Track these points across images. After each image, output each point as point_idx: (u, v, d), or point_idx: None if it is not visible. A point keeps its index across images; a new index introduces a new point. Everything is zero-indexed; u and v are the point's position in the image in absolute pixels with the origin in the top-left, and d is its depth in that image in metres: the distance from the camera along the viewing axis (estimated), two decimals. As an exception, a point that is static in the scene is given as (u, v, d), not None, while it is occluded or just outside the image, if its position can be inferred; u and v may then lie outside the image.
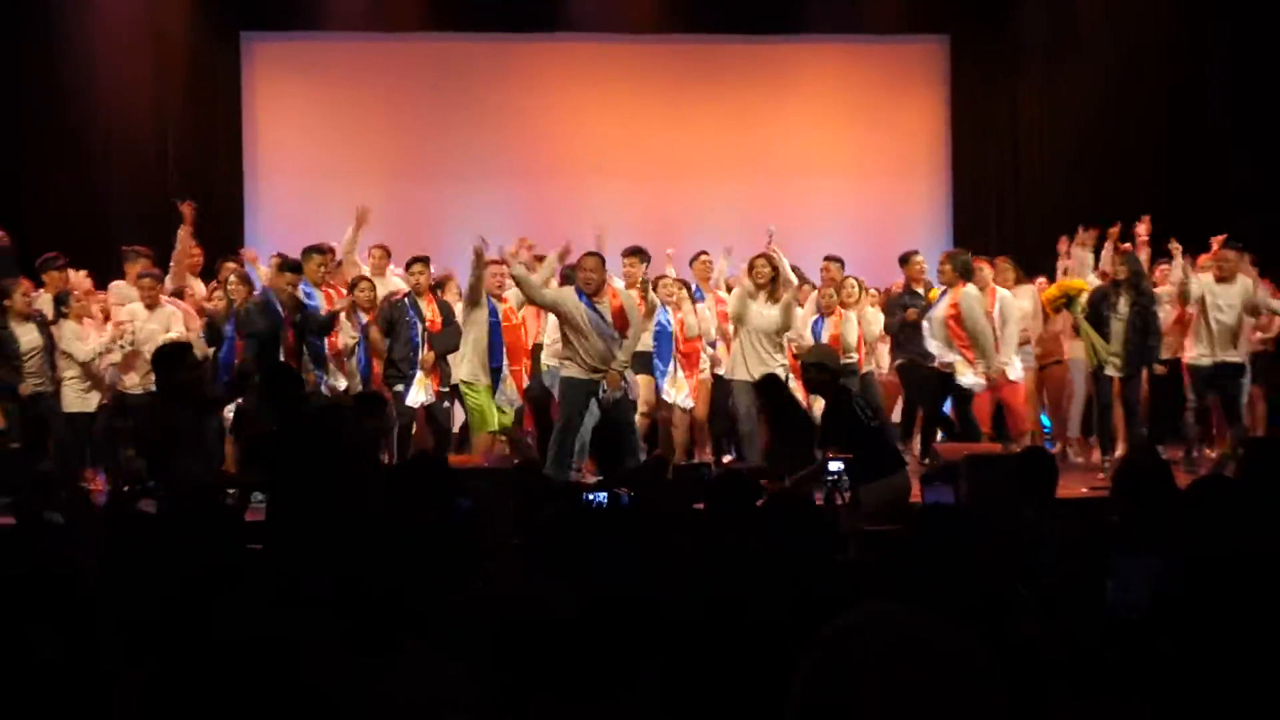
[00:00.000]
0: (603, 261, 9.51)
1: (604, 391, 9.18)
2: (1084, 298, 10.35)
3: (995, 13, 14.17)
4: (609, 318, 9.25)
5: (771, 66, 14.17)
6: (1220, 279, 10.01)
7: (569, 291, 9.39)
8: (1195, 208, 12.48)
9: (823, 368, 8.13)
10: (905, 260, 11.19)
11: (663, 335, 10.35)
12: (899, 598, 3.09)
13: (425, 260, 10.32)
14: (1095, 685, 2.94)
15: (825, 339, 10.45)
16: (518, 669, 2.54)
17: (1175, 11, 13.56)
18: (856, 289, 10.94)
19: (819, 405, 8.77)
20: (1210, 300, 9.96)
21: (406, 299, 10.08)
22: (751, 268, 10.01)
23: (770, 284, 9.90)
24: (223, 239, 11.84)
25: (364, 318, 10.14)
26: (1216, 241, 10.18)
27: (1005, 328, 10.33)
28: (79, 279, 10.31)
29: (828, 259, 11.12)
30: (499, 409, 9.73)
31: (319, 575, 3.82)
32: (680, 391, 10.50)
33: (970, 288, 10.26)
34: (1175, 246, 10.21)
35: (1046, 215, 13.16)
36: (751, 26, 13.97)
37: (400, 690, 2.18)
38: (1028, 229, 13.10)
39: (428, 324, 9.96)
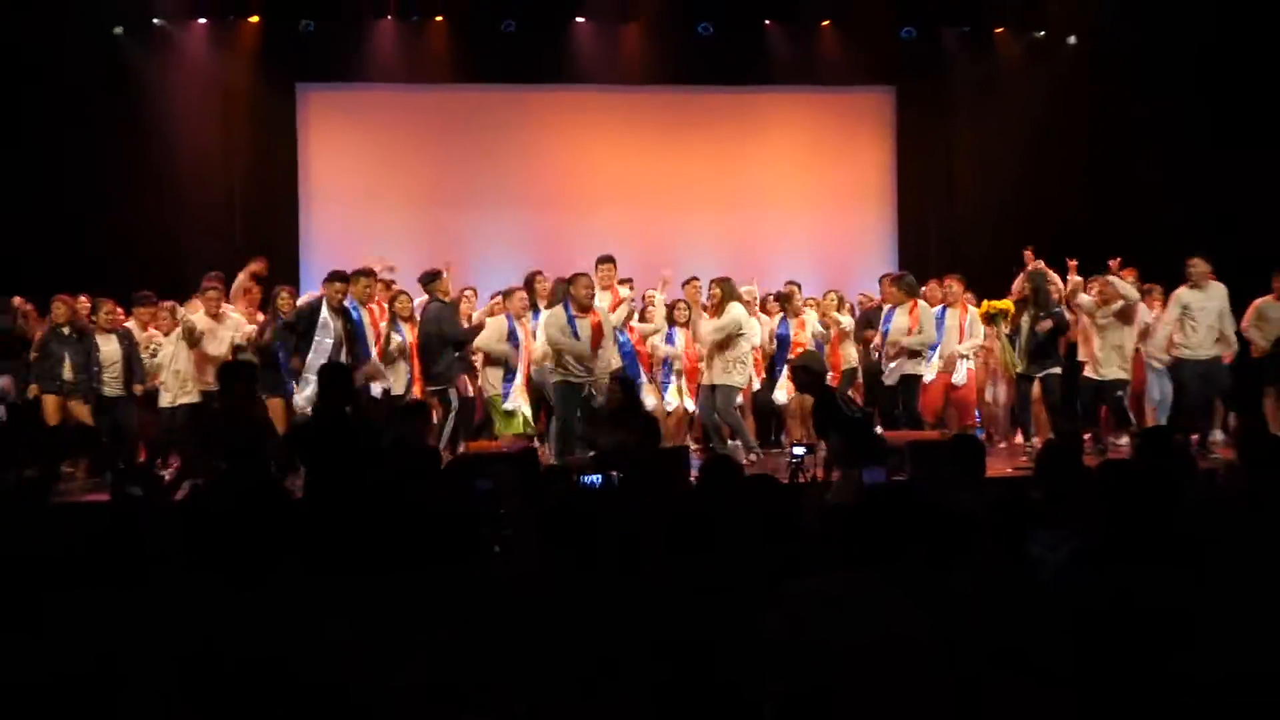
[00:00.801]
0: (592, 282, 9.51)
1: (594, 395, 9.21)
2: (1007, 316, 10.39)
3: (934, 68, 14.08)
4: (587, 333, 9.26)
5: (745, 113, 14.15)
6: (1105, 300, 10.16)
7: (559, 310, 9.48)
8: (1105, 235, 12.60)
9: (809, 370, 8.09)
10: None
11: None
12: (850, 564, 3.22)
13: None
14: (1018, 636, 2.82)
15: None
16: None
17: (1084, 64, 13.66)
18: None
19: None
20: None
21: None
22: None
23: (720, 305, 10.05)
24: (280, 264, 11.83)
25: (404, 328, 10.07)
26: (1114, 263, 10.21)
27: (973, 338, 10.55)
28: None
29: (789, 283, 11.22)
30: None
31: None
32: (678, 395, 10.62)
33: (923, 304, 10.47)
34: (1072, 264, 10.30)
35: (978, 243, 13.18)
36: (728, 79, 13.96)
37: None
38: (963, 255, 13.06)
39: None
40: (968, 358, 10.62)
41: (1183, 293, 10.27)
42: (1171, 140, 12.93)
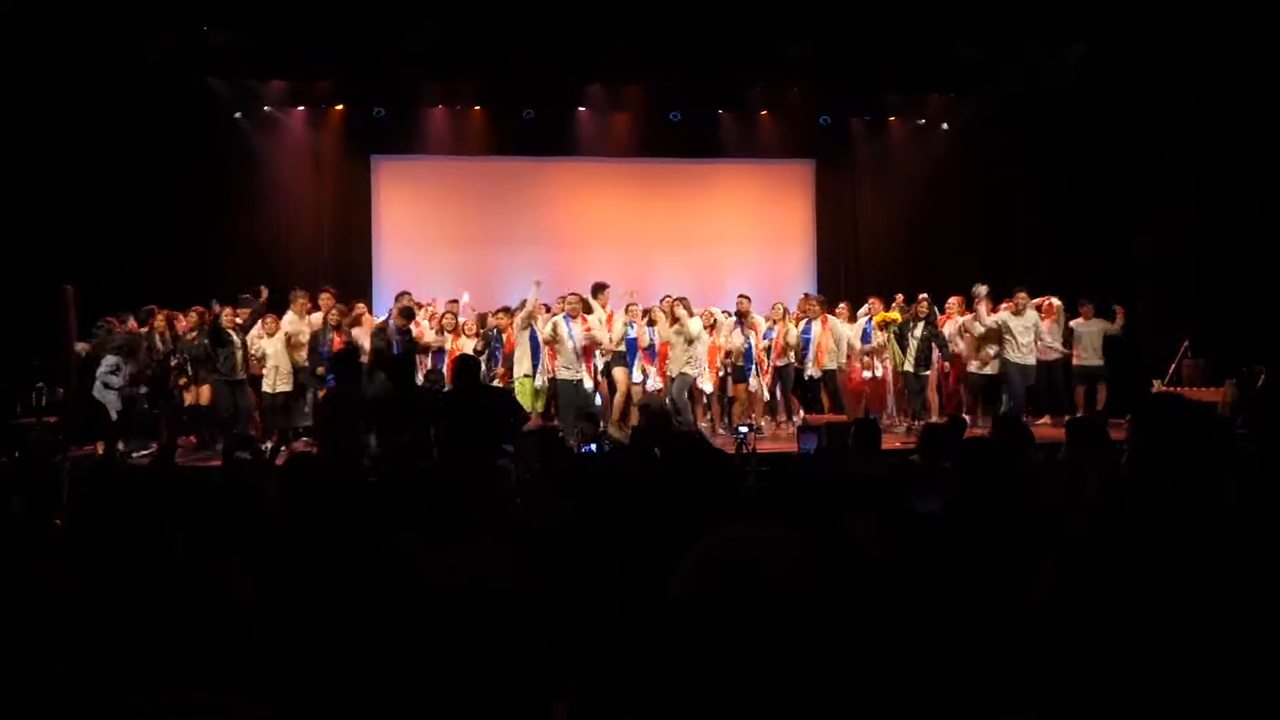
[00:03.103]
0: (581, 298, 9.73)
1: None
2: (895, 326, 10.51)
3: (844, 146, 14.09)
4: (579, 336, 9.45)
5: (702, 179, 14.13)
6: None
7: (559, 318, 9.58)
8: (970, 271, 12.68)
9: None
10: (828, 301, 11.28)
11: (632, 343, 10.39)
12: (768, 516, 3.05)
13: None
14: (906, 567, 2.74)
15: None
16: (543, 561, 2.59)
17: (955, 144, 13.68)
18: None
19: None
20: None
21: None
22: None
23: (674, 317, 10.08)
24: (357, 296, 11.78)
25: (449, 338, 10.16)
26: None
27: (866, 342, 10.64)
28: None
29: (741, 296, 11.21)
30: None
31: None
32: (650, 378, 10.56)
33: (833, 318, 10.50)
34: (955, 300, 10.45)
35: (875, 275, 13.21)
36: (690, 153, 13.88)
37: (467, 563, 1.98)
38: (864, 284, 13.14)
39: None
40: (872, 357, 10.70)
41: (1006, 315, 10.35)
42: (1024, 199, 12.95)
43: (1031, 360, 10.35)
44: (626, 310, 10.43)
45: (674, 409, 10.05)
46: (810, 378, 10.46)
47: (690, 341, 10.02)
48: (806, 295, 10.82)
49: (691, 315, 10.20)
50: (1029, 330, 10.29)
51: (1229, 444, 2.62)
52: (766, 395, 10.80)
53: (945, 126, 14.00)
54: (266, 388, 9.82)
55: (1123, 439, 2.86)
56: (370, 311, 10.70)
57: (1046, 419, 10.55)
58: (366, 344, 9.68)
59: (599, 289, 10.45)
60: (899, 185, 13.87)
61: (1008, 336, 10.27)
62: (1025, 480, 3.23)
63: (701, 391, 10.61)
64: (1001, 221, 12.93)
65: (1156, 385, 10.20)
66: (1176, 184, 11.65)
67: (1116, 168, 12.27)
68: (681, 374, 10.06)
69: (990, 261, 12.18)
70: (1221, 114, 10.94)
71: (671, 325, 10.05)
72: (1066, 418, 8.20)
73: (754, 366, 10.56)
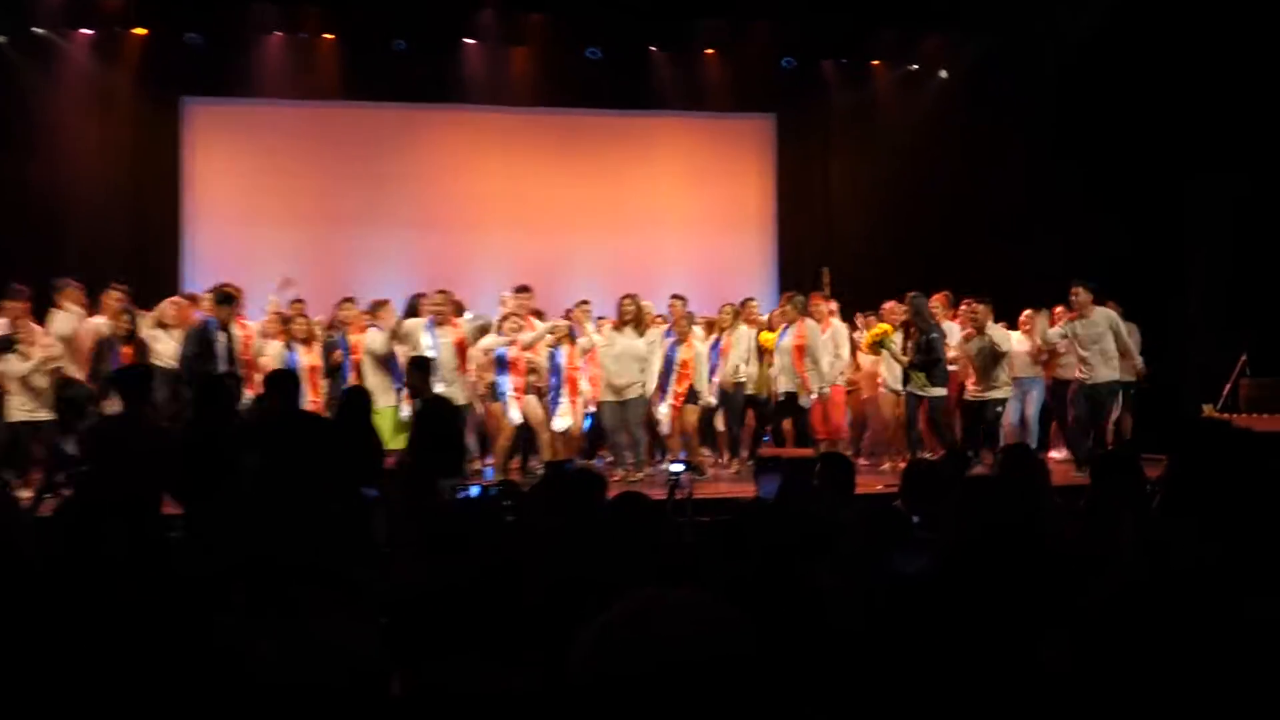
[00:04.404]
0: (451, 297, 9.82)
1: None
2: (893, 337, 10.52)
3: (813, 97, 14.32)
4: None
5: (630, 137, 14.27)
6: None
7: (420, 325, 9.67)
8: (973, 260, 12.96)
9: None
10: (743, 305, 11.33)
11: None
12: (707, 580, 3.17)
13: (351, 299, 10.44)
14: (884, 637, 2.84)
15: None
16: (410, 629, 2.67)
17: (955, 96, 14.06)
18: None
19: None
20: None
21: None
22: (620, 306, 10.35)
23: (635, 320, 10.20)
24: (161, 279, 11.63)
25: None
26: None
27: (840, 351, 10.77)
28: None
29: (674, 297, 11.30)
30: None
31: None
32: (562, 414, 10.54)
33: (810, 321, 10.64)
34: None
35: (853, 266, 13.33)
36: (614, 103, 14.02)
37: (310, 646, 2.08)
38: (839, 279, 13.24)
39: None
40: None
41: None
42: (1036, 169, 13.24)
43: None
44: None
45: (626, 449, 10.19)
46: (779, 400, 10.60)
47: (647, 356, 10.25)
48: (792, 296, 10.93)
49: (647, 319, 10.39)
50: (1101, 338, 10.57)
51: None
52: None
53: (943, 74, 14.35)
54: (20, 414, 9.50)
55: (1158, 477, 2.95)
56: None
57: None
58: (167, 350, 9.58)
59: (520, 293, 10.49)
60: (883, 148, 14.13)
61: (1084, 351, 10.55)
62: (1038, 529, 3.34)
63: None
64: (1010, 195, 13.26)
65: (1207, 410, 10.53)
66: (1231, 155, 12.07)
67: (1158, 130, 12.66)
68: (641, 397, 10.24)
69: (997, 246, 12.46)
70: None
71: (625, 330, 10.20)
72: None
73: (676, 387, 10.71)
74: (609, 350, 10.29)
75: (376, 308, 10.34)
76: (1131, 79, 12.46)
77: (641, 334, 10.25)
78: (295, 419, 6.26)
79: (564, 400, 10.37)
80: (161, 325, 10.07)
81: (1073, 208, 12.92)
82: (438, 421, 7.47)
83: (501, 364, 10.08)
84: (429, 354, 9.39)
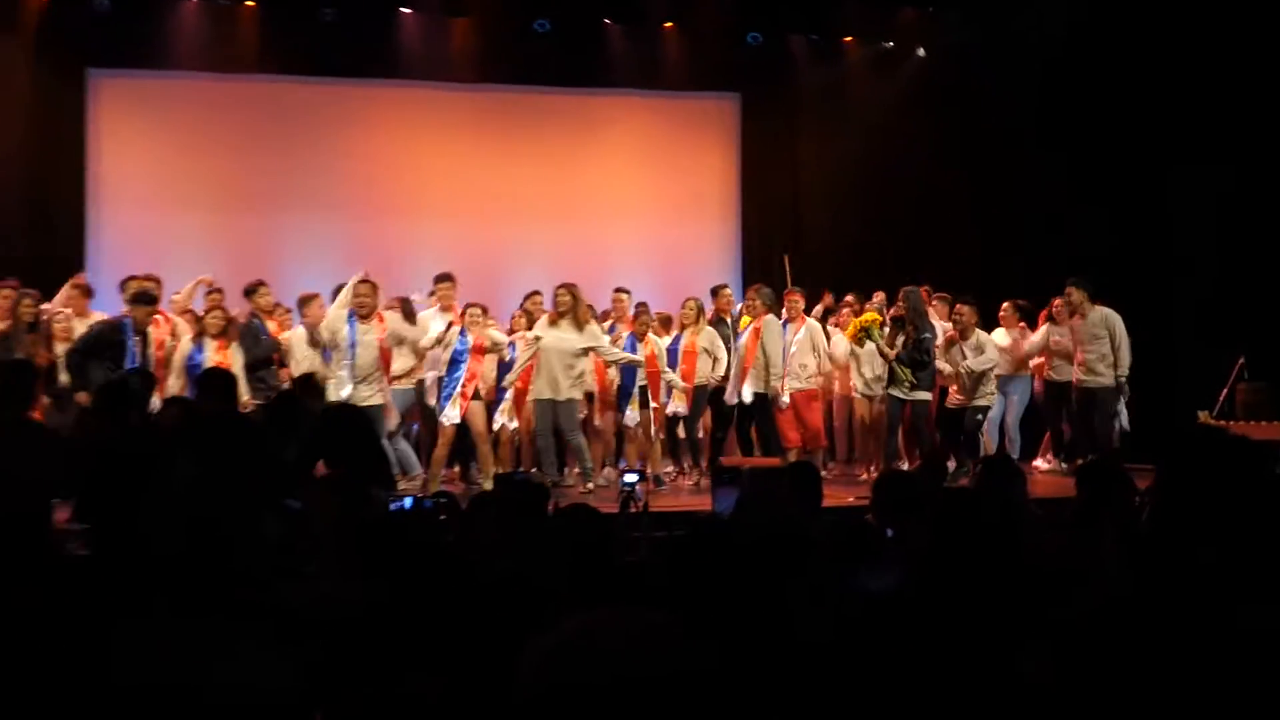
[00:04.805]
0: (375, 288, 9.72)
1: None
2: (879, 328, 10.57)
3: (778, 75, 14.40)
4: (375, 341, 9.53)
5: (581, 116, 14.27)
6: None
7: (341, 317, 9.59)
8: (949, 250, 13.08)
9: None
10: (715, 292, 11.47)
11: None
12: (662, 600, 3.15)
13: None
14: (850, 658, 2.86)
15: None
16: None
17: (932, 76, 14.18)
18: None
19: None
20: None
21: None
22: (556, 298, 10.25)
23: (571, 313, 10.13)
24: (65, 265, 11.47)
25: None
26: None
27: (818, 350, 10.76)
28: None
29: (618, 290, 11.33)
30: None
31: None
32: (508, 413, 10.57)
33: (771, 317, 10.67)
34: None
35: (822, 257, 13.46)
36: (564, 79, 14.04)
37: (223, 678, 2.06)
38: (806, 270, 13.29)
39: None
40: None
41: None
42: (1015, 155, 13.42)
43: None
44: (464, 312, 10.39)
45: (550, 454, 10.13)
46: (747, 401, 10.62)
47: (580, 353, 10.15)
48: (759, 288, 10.98)
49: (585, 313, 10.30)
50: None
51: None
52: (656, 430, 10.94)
53: (920, 52, 14.47)
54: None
55: (1147, 487, 2.99)
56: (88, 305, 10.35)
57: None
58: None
59: (442, 280, 10.43)
60: (854, 131, 14.22)
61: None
62: (1016, 541, 3.37)
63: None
64: (989, 182, 13.42)
65: (1203, 417, 10.67)
66: (1227, 145, 12.22)
67: (1141, 119, 12.83)
68: (570, 400, 10.15)
69: (974, 236, 12.55)
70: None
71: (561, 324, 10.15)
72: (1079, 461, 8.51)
73: (636, 391, 10.70)
74: (544, 346, 10.17)
75: (304, 303, 10.27)
76: (1115, 63, 12.63)
77: (580, 329, 10.11)
78: (231, 422, 6.17)
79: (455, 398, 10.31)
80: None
81: (1055, 196, 13.09)
82: (341, 432, 7.39)
83: (456, 361, 10.03)
84: (346, 349, 9.38)
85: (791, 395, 10.52)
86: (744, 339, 10.67)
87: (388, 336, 9.80)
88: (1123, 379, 10.57)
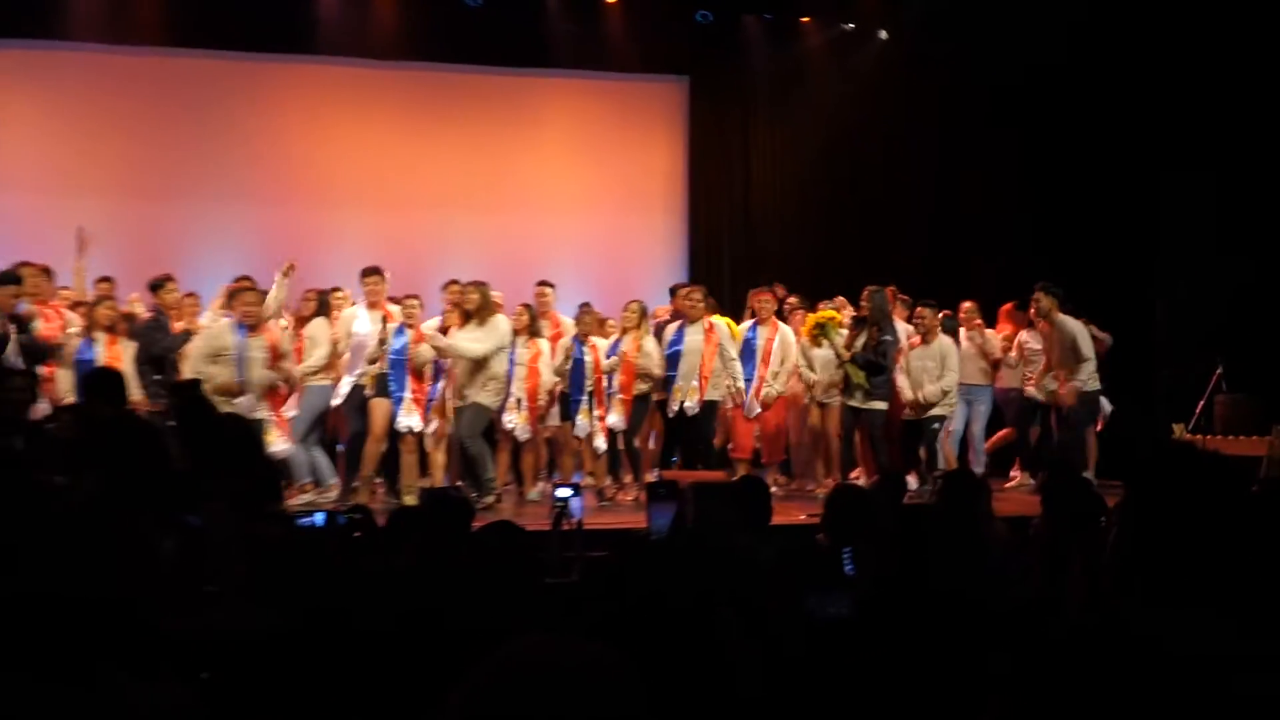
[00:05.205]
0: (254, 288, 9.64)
1: None
2: (838, 327, 10.58)
3: (731, 57, 14.47)
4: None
5: (517, 99, 14.27)
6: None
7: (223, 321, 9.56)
8: (908, 243, 13.20)
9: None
10: (674, 292, 11.43)
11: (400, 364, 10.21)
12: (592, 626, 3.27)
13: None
14: (795, 688, 2.96)
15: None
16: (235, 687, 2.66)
17: (894, 59, 14.30)
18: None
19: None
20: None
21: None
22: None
23: (479, 312, 10.06)
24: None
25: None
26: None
27: (786, 359, 10.75)
28: None
29: (541, 283, 11.16)
30: None
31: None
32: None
33: (719, 320, 10.70)
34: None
35: (774, 252, 13.61)
36: (498, 59, 14.03)
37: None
38: (757, 265, 13.38)
39: None
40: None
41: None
42: (982, 146, 13.57)
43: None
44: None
45: (466, 464, 10.05)
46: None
47: (487, 355, 10.06)
48: (703, 288, 10.97)
49: (493, 311, 10.22)
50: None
51: (1269, 517, 2.78)
52: (602, 443, 10.88)
53: (882, 35, 14.58)
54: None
55: (1114, 506, 3.02)
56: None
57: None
58: None
59: (370, 274, 10.36)
60: (812, 118, 14.35)
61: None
62: (975, 564, 3.42)
63: (508, 434, 10.64)
64: (956, 175, 13.59)
65: (1178, 431, 10.83)
66: (1210, 147, 12.40)
67: (1128, 108, 13.00)
68: (475, 404, 10.07)
69: (942, 233, 12.63)
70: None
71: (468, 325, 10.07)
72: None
73: (585, 398, 10.68)
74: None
75: (234, 295, 10.16)
76: (1101, 53, 12.79)
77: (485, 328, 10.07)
78: (132, 430, 6.07)
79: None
80: None
81: (1027, 188, 13.23)
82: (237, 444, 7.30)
83: (399, 362, 9.98)
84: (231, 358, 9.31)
85: (774, 401, 10.63)
86: (688, 343, 10.59)
87: (306, 341, 9.75)
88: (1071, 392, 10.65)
